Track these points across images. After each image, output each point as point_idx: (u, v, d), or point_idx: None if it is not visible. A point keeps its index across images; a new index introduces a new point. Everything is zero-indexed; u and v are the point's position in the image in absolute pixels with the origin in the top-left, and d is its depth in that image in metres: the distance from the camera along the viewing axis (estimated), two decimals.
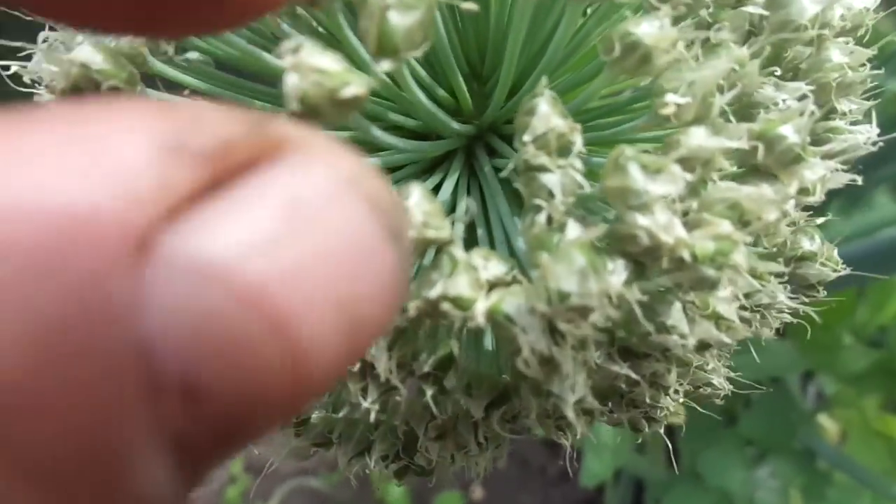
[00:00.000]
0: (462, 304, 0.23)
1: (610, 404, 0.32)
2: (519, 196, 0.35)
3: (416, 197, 0.22)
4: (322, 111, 0.20)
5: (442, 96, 0.36)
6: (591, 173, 0.29)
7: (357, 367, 0.27)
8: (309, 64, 0.19)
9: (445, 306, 0.23)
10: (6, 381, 0.08)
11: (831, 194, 0.29)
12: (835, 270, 0.31)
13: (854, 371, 1.17)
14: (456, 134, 0.36)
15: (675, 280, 0.24)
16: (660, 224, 0.23)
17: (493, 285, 0.24)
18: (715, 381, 0.34)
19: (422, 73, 0.34)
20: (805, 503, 1.23)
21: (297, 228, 0.10)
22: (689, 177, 0.23)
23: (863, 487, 1.15)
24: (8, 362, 0.08)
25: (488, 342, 0.33)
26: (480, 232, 0.36)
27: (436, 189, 0.38)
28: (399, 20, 0.20)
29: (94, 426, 0.08)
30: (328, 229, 0.10)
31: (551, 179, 0.25)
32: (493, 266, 0.24)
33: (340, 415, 0.30)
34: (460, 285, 0.23)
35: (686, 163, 0.24)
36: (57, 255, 0.08)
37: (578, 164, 0.25)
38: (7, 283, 0.08)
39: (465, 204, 0.31)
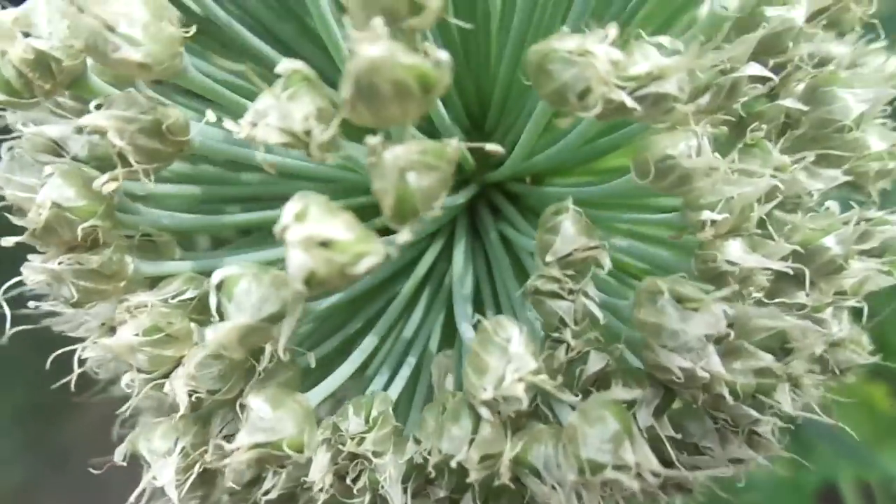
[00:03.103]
0: (487, 460, 0.21)
1: None
2: (524, 268, 0.33)
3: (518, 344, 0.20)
4: (329, 283, 0.18)
5: None
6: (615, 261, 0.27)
7: (367, 499, 0.25)
8: (317, 236, 0.17)
9: (471, 467, 0.21)
10: None
11: None
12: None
13: None
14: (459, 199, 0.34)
15: (712, 414, 0.23)
16: (697, 359, 0.21)
17: (516, 420, 0.22)
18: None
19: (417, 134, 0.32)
20: (789, 473, 1.24)
21: None
22: (730, 312, 0.21)
23: (845, 457, 1.16)
24: None
25: None
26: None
27: (441, 255, 0.36)
28: (418, 182, 0.17)
29: None
30: None
31: (562, 306, 0.22)
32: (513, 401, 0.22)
33: None
34: (485, 442, 0.21)
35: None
36: None
37: (592, 290, 0.23)
38: None
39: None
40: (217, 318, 0.20)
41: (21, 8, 0.20)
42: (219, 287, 0.20)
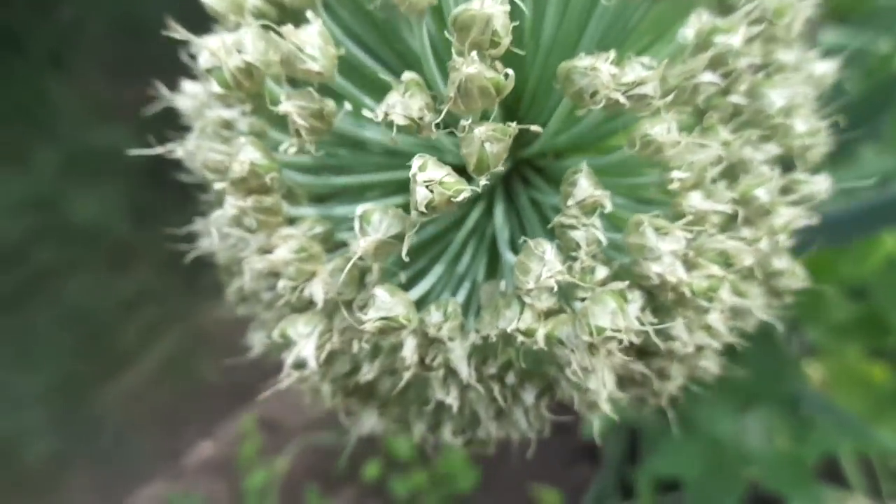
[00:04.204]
0: (528, 333, 0.32)
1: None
2: (547, 220, 0.44)
3: (551, 255, 0.31)
4: (438, 209, 0.29)
5: None
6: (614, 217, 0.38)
7: (441, 373, 0.36)
8: (433, 178, 0.28)
9: (518, 335, 0.32)
10: None
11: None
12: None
13: (837, 322, 1.26)
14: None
15: (678, 306, 0.34)
16: (667, 268, 0.32)
17: (547, 314, 0.34)
18: (709, 366, 0.43)
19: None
20: (791, 447, 1.31)
21: None
22: (689, 236, 0.32)
23: (845, 432, 1.23)
24: None
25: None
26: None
27: (483, 215, 0.47)
28: (490, 148, 0.28)
29: None
30: None
31: (578, 234, 0.34)
32: (546, 300, 0.33)
33: (429, 409, 0.39)
34: (528, 320, 0.32)
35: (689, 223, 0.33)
36: None
37: (598, 223, 0.34)
38: None
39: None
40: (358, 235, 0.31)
41: (235, 34, 0.32)
42: (360, 217, 0.31)
